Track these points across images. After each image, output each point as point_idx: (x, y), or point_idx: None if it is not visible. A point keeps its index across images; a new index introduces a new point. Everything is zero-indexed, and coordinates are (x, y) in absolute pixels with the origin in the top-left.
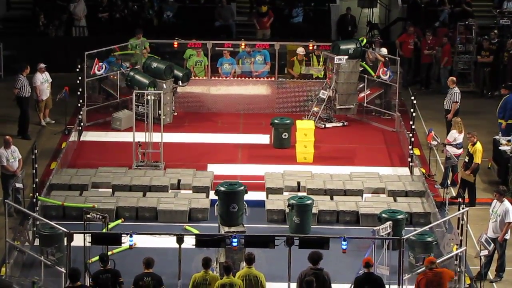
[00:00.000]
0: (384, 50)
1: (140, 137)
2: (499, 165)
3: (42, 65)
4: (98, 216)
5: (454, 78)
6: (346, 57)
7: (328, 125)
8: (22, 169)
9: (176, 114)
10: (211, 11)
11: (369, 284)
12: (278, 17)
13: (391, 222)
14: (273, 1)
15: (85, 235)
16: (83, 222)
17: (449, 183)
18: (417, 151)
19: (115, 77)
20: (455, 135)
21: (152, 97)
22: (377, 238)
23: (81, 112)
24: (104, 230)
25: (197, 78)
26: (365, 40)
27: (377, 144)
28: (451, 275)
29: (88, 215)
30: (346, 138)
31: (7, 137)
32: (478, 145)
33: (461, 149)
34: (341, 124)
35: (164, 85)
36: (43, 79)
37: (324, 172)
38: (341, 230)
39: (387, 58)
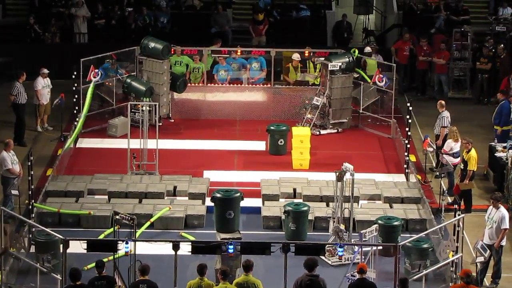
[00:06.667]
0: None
1: (136, 144)
2: (495, 171)
3: (46, 71)
4: (127, 217)
5: (443, 102)
6: (340, 63)
7: (322, 132)
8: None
9: (173, 121)
10: (207, 17)
11: None
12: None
13: (377, 225)
14: (270, 9)
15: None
16: (113, 225)
17: (445, 189)
18: (413, 158)
19: (111, 83)
20: (451, 145)
21: (147, 108)
22: (373, 244)
23: (77, 119)
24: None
25: (193, 84)
26: (356, 52)
27: (373, 151)
28: None
29: (117, 216)
30: (342, 145)
31: (8, 139)
32: (473, 152)
33: (458, 158)
34: (335, 130)
35: (160, 94)
36: (44, 84)
37: (320, 178)
38: None
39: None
